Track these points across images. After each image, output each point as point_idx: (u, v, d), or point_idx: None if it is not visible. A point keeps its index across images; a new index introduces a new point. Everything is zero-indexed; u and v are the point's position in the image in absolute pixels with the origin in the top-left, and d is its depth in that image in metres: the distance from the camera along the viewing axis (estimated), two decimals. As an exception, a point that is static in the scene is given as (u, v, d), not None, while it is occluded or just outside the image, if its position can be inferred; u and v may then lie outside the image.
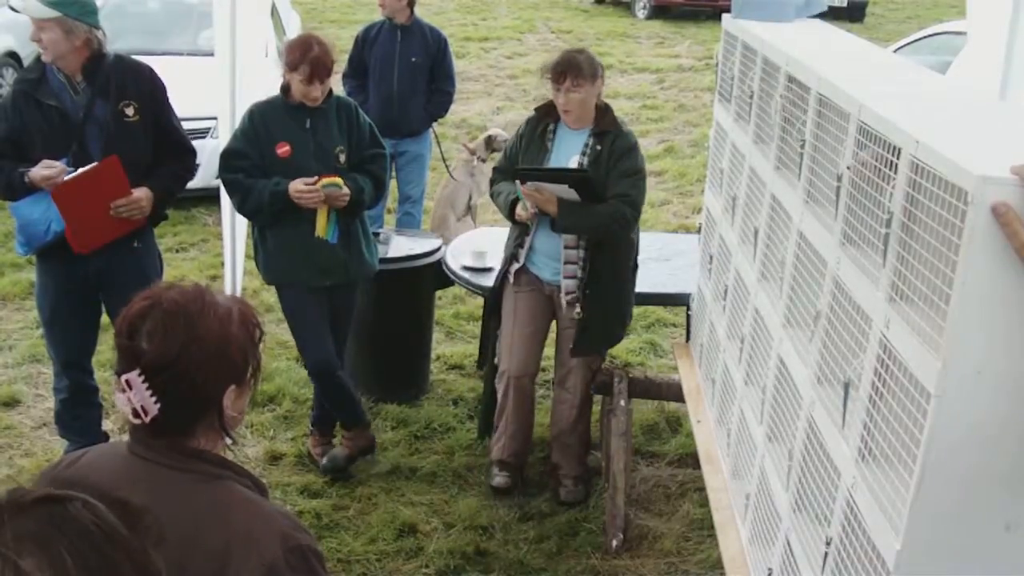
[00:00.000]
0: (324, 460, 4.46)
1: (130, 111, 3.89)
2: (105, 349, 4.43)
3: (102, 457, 1.74)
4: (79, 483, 1.11)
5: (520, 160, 4.14)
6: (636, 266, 4.27)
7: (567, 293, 4.14)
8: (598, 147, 4.04)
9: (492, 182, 4.32)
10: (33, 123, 3.81)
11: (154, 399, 1.62)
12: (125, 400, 1.63)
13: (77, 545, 0.98)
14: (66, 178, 3.74)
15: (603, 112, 4.08)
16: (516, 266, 4.23)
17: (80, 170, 3.77)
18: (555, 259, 4.14)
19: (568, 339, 4.24)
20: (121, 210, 3.87)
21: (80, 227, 3.84)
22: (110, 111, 3.85)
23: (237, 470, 1.72)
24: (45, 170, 3.73)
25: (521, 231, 4.21)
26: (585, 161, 4.05)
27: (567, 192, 3.94)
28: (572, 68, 3.95)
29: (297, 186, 3.98)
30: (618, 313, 4.21)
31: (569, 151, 4.09)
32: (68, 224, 3.82)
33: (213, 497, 1.64)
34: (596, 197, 3.96)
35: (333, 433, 4.58)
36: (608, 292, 4.13)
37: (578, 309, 4.11)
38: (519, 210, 4.07)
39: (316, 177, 4.00)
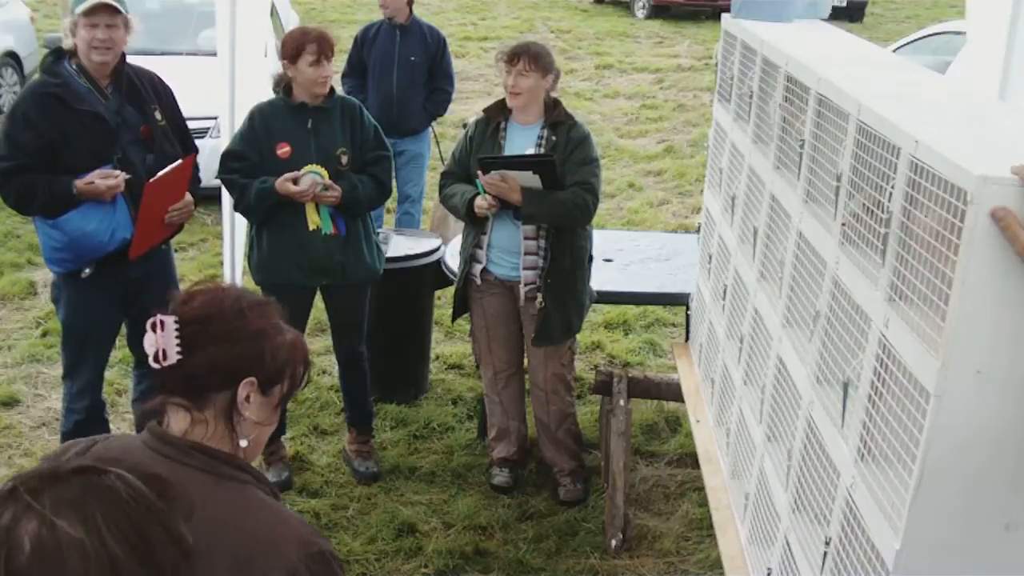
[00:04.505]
0: (363, 469, 4.48)
1: (158, 115, 3.87)
2: (111, 356, 4.43)
3: (122, 445, 1.75)
4: (109, 460, 1.15)
5: (471, 161, 4.15)
6: (591, 258, 4.28)
7: (527, 284, 4.13)
8: (553, 137, 4.07)
9: (442, 187, 4.31)
10: (70, 130, 3.64)
11: (178, 348, 1.66)
12: (152, 341, 1.67)
13: (111, 511, 1.06)
14: (159, 175, 3.68)
15: (553, 105, 4.13)
16: (479, 267, 4.23)
17: (168, 168, 3.73)
18: (512, 254, 4.15)
19: (531, 333, 4.25)
20: (175, 215, 3.86)
21: (144, 230, 3.76)
22: (142, 116, 3.80)
23: (256, 475, 1.74)
24: (108, 180, 3.63)
25: (477, 230, 4.21)
26: (541, 152, 4.06)
27: (530, 179, 3.96)
28: (526, 52, 4.02)
29: (286, 187, 3.98)
30: (576, 303, 4.21)
31: (523, 145, 4.12)
32: (139, 226, 3.72)
33: (236, 501, 1.65)
34: (558, 183, 3.98)
35: (372, 434, 4.61)
36: (567, 281, 4.14)
37: (539, 299, 4.11)
38: (479, 201, 4.05)
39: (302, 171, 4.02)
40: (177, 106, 4.01)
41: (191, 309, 1.70)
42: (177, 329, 1.67)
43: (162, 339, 1.67)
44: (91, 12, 3.62)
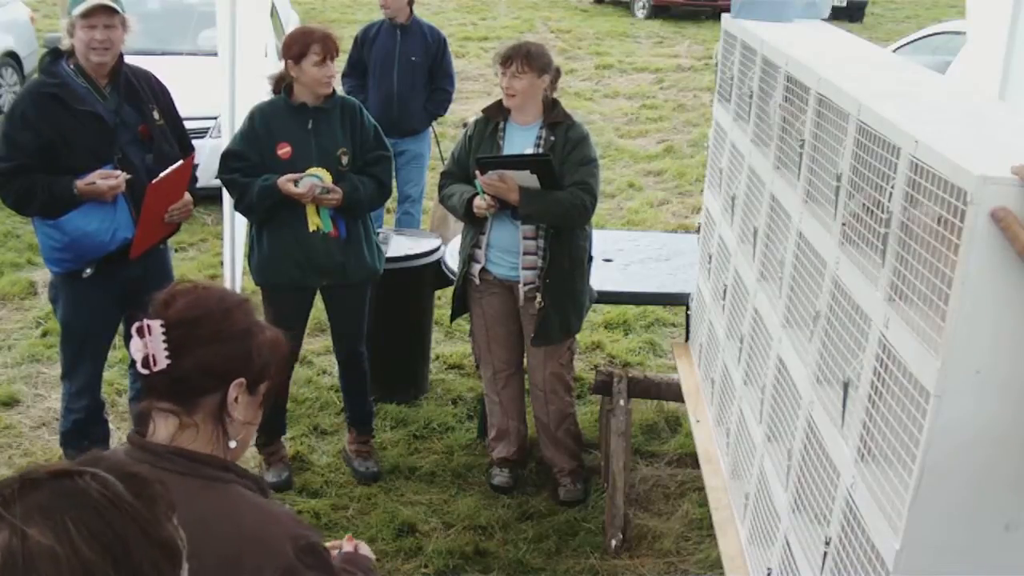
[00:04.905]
0: (363, 469, 4.48)
1: (156, 115, 3.87)
2: (110, 356, 4.43)
3: (110, 453, 1.75)
4: (89, 462, 1.14)
5: (471, 161, 4.14)
6: (591, 258, 4.28)
7: (526, 284, 4.13)
8: (552, 137, 4.07)
9: (441, 187, 4.31)
10: (69, 130, 3.64)
11: (166, 353, 1.65)
12: (140, 346, 1.66)
13: (82, 514, 1.03)
14: (161, 175, 3.68)
15: (552, 105, 4.13)
16: (478, 267, 4.23)
17: (170, 168, 3.74)
18: (511, 253, 4.14)
19: (530, 333, 4.25)
20: (175, 214, 3.86)
21: (145, 230, 3.76)
22: (141, 116, 3.80)
23: (240, 472, 1.72)
24: (109, 180, 3.62)
25: (476, 230, 4.21)
26: (540, 152, 4.06)
27: (528, 179, 3.96)
28: (519, 54, 4.01)
29: (288, 187, 3.98)
30: (575, 303, 4.21)
31: (522, 145, 4.12)
32: (141, 226, 3.72)
33: (220, 502, 1.64)
34: (556, 183, 3.98)
35: (372, 434, 4.60)
36: (566, 281, 4.14)
37: (538, 299, 4.11)
38: (478, 202, 4.05)
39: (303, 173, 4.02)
40: (174, 106, 4.01)
41: (176, 312, 1.68)
42: (164, 333, 1.65)
43: (150, 344, 1.65)
44: (89, 14, 3.62)
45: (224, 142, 4.68)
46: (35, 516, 1.02)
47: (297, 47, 3.98)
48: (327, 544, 1.80)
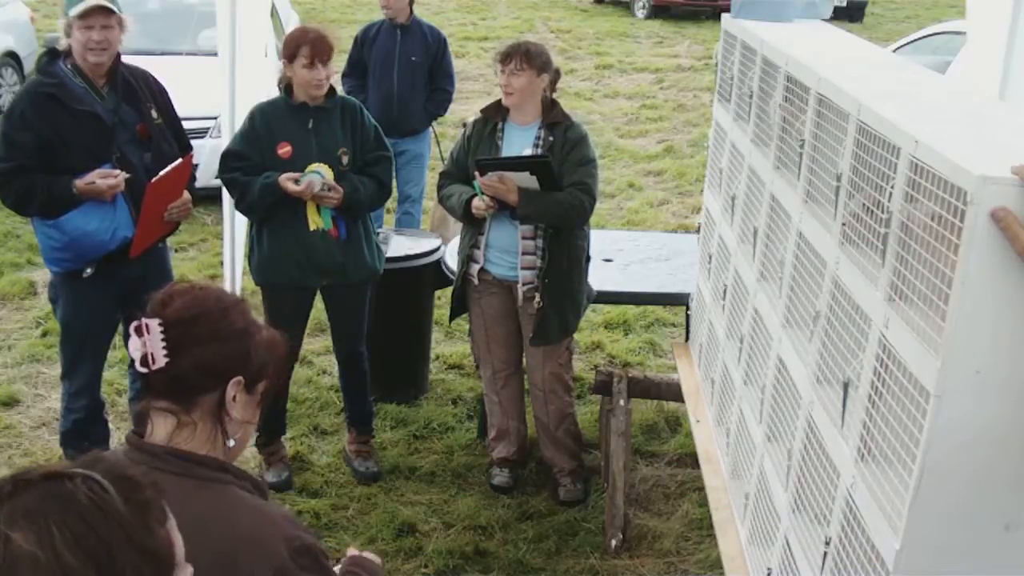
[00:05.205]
0: (362, 469, 4.48)
1: (155, 114, 3.87)
2: (110, 356, 4.43)
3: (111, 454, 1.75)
4: (88, 463, 1.12)
5: (470, 161, 4.14)
6: (589, 258, 4.28)
7: (525, 284, 4.13)
8: (550, 138, 4.07)
9: (440, 187, 4.31)
10: (68, 130, 3.65)
11: (164, 351, 1.65)
12: (138, 345, 1.66)
13: (67, 519, 1.02)
14: (161, 174, 3.69)
15: (551, 105, 4.13)
16: (476, 267, 4.23)
17: (169, 167, 3.74)
18: (510, 253, 4.15)
19: (529, 333, 4.26)
20: (174, 212, 3.87)
21: (144, 229, 3.76)
22: (139, 115, 3.80)
23: (236, 473, 1.72)
24: (108, 179, 3.63)
25: (475, 231, 4.21)
26: (539, 152, 4.06)
27: (527, 180, 3.96)
28: (518, 52, 4.02)
29: (288, 185, 3.97)
30: (573, 302, 4.21)
31: (521, 145, 4.12)
32: (141, 225, 3.72)
33: (216, 502, 1.64)
34: (555, 184, 3.98)
35: (372, 434, 4.60)
36: (565, 281, 4.14)
37: (537, 299, 4.11)
38: (476, 203, 4.06)
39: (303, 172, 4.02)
40: (172, 104, 4.01)
41: (174, 311, 1.68)
42: (162, 332, 1.66)
43: (148, 342, 1.65)
44: (86, 15, 3.62)
45: (224, 142, 4.68)
46: (20, 520, 1.01)
47: (290, 48, 3.99)
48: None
